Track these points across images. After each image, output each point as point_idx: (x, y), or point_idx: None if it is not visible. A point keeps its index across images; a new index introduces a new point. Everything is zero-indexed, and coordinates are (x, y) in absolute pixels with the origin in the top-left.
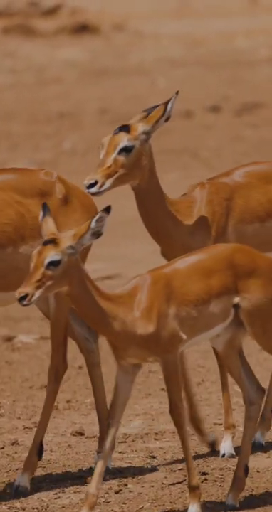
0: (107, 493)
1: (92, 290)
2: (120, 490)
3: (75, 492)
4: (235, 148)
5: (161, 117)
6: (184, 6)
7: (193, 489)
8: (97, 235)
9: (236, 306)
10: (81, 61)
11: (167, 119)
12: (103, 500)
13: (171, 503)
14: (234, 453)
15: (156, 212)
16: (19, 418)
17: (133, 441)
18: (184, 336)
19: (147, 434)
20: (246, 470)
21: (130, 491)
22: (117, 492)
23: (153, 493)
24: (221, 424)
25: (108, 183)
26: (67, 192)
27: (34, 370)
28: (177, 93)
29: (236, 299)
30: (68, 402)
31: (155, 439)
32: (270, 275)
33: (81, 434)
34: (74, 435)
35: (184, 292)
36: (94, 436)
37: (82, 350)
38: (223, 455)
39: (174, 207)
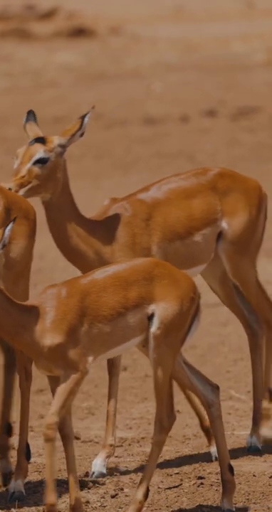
0: (103, 497)
1: (4, 298)
2: (116, 494)
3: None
4: (231, 152)
5: (78, 131)
6: (181, 11)
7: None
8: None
9: (151, 316)
10: (77, 65)
11: (82, 134)
12: (99, 504)
13: (167, 507)
14: (105, 472)
15: (67, 230)
16: (15, 422)
17: (129, 445)
18: (93, 354)
19: (143, 438)
20: (231, 470)
21: (126, 496)
22: (113, 496)
23: (149, 497)
24: None
25: (21, 191)
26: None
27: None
28: (93, 108)
29: (152, 309)
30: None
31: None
32: (188, 291)
33: (77, 438)
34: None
35: (98, 306)
36: (90, 441)
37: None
38: (93, 473)
39: (89, 226)
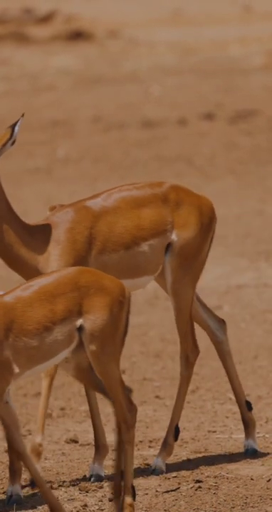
0: (101, 500)
1: None
2: None
3: (68, 500)
4: (229, 155)
5: (8, 140)
6: (178, 14)
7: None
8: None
9: (80, 328)
10: (75, 68)
11: (13, 143)
12: (97, 507)
13: (165, 510)
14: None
15: (6, 237)
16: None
17: None
18: (17, 370)
19: (141, 441)
20: (133, 490)
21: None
22: (111, 500)
23: (147, 500)
24: (215, 432)
25: None
26: None
27: (28, 378)
28: (23, 116)
29: (80, 321)
30: (62, 409)
31: (149, 447)
32: (116, 296)
33: (75, 441)
34: (68, 443)
35: (24, 322)
36: (88, 444)
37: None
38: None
39: (29, 232)
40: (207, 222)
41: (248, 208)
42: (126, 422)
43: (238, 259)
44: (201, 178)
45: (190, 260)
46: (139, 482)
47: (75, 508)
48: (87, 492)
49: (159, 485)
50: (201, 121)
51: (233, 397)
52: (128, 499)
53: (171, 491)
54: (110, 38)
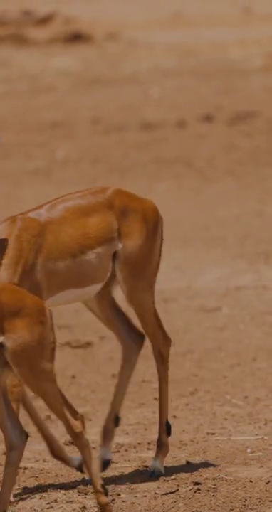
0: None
1: None
2: (113, 500)
3: (67, 502)
4: (229, 157)
5: None
6: (178, 16)
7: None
8: None
9: (1, 346)
10: (74, 70)
11: None
12: (96, 510)
13: None
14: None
15: None
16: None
17: (126, 450)
18: None
19: (139, 443)
20: None
21: (123, 501)
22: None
23: (146, 502)
24: (214, 434)
25: None
26: None
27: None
28: None
29: (1, 339)
30: None
31: (148, 449)
32: (37, 315)
33: (74, 443)
34: (67, 445)
35: None
36: None
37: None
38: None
39: None
40: (152, 227)
41: (247, 209)
42: (12, 448)
43: (237, 260)
44: (200, 180)
45: (140, 268)
46: (138, 484)
47: (74, 510)
48: (86, 494)
49: (158, 487)
50: (201, 123)
51: (232, 399)
52: (102, 499)
53: (170, 493)
54: (109, 40)
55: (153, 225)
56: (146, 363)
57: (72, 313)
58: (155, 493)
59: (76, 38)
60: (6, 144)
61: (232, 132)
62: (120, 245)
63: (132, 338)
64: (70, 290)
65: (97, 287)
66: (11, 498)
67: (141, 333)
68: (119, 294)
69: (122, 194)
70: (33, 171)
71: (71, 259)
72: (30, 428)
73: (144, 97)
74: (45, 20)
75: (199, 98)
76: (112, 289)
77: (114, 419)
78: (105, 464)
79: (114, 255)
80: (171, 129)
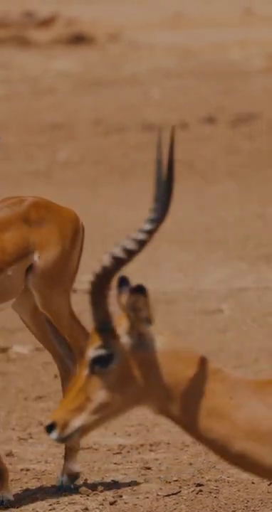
0: (101, 504)
1: None
2: (115, 501)
3: (69, 503)
4: (230, 159)
5: None
6: (178, 17)
7: None
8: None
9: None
10: (75, 72)
11: None
12: (98, 511)
13: None
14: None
15: None
16: (14, 429)
17: (128, 452)
18: None
19: (142, 445)
20: None
21: (125, 503)
22: (112, 503)
23: (148, 504)
24: None
25: None
26: None
27: (29, 381)
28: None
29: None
30: None
31: (150, 451)
32: None
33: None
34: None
35: None
36: (89, 448)
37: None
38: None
39: None
40: (71, 237)
41: (248, 211)
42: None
43: (238, 262)
44: (201, 182)
45: (55, 278)
46: (140, 486)
47: (76, 511)
48: (88, 496)
49: (160, 488)
50: (202, 125)
51: None
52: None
53: (172, 494)
54: (110, 41)
55: (71, 235)
56: None
57: None
58: (157, 495)
59: (77, 39)
60: (7, 145)
61: (233, 134)
62: (36, 258)
63: (69, 356)
64: None
65: (11, 302)
66: (11, 497)
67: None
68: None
69: (39, 205)
70: (34, 172)
71: None
72: (32, 429)
73: (144, 98)
74: (46, 22)
75: (200, 99)
76: None
77: None
78: (74, 477)
79: (29, 267)
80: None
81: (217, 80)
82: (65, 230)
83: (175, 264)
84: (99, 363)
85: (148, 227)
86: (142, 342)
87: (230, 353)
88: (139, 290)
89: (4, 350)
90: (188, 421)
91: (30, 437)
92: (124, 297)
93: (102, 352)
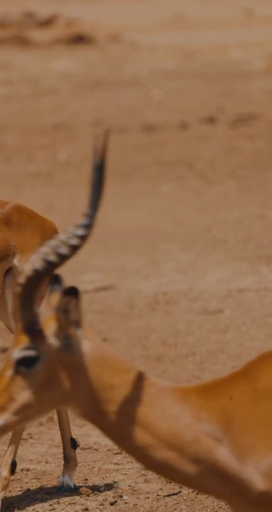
0: (102, 504)
1: None
2: (115, 501)
3: (69, 504)
4: (230, 159)
5: None
6: (179, 18)
7: None
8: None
9: None
10: (76, 72)
11: None
12: (98, 511)
13: None
14: None
15: None
16: None
17: None
18: None
19: None
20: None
21: (126, 503)
22: (112, 503)
23: (148, 504)
24: None
25: None
26: None
27: None
28: None
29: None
30: None
31: None
32: None
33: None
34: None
35: None
36: (89, 448)
37: None
38: None
39: None
40: None
41: (248, 212)
42: None
43: (238, 263)
44: (201, 183)
45: None
46: (141, 486)
47: (76, 511)
48: (88, 496)
49: (161, 489)
50: (202, 125)
51: None
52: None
53: (173, 494)
54: (110, 42)
55: None
56: (148, 364)
57: None
58: (158, 495)
59: (78, 40)
60: (8, 146)
61: (234, 135)
62: (15, 261)
63: None
64: None
65: None
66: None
67: None
68: None
69: (22, 210)
70: (35, 174)
71: None
72: (33, 429)
73: (145, 99)
74: (47, 23)
75: (201, 100)
76: None
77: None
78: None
79: (8, 270)
80: (172, 131)
81: (218, 80)
82: (46, 238)
83: (175, 264)
84: (24, 364)
85: (82, 232)
86: (69, 345)
87: (230, 354)
88: (72, 292)
89: (4, 350)
90: (110, 427)
91: (31, 437)
92: (56, 298)
93: (27, 353)
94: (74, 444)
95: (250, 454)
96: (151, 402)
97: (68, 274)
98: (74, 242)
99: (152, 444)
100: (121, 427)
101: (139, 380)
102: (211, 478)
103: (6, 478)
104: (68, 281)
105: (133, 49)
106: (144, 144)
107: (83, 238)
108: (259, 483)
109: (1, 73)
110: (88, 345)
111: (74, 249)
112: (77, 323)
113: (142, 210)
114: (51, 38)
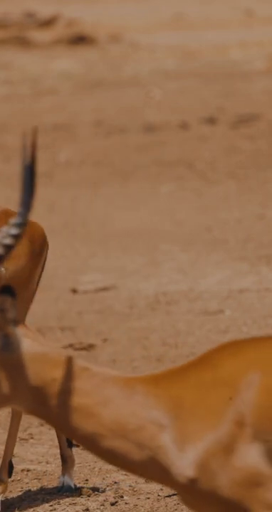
0: (102, 504)
1: None
2: (116, 502)
3: (70, 504)
4: (230, 159)
5: None
6: (180, 19)
7: None
8: None
9: None
10: (76, 72)
11: None
12: (99, 511)
13: None
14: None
15: None
16: None
17: None
18: None
19: None
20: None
21: (126, 503)
22: (113, 504)
23: (149, 504)
24: None
25: None
26: None
27: None
28: None
29: None
30: None
31: None
32: None
33: (77, 445)
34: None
35: None
36: None
37: None
38: None
39: None
40: (38, 251)
41: (248, 212)
42: None
43: (239, 263)
44: (201, 183)
45: (19, 292)
46: (141, 486)
47: None
48: (88, 496)
49: (161, 489)
50: (202, 126)
51: None
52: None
53: (173, 495)
54: (111, 42)
55: (38, 249)
56: (149, 364)
57: (75, 316)
58: (158, 496)
59: (78, 40)
60: (8, 146)
61: (234, 135)
62: (2, 269)
63: None
64: None
65: None
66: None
67: None
68: None
69: (9, 214)
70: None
71: None
72: (33, 430)
73: (145, 99)
74: (47, 23)
75: (201, 100)
76: None
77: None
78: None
79: None
80: (173, 131)
81: (218, 80)
82: (34, 244)
83: (175, 265)
84: None
85: (15, 231)
86: (7, 344)
87: None
88: (7, 291)
89: None
90: (56, 420)
91: (31, 438)
92: None
93: None
94: (70, 442)
95: (191, 441)
96: (93, 392)
97: (68, 274)
98: (8, 241)
99: (97, 433)
100: (66, 418)
101: (81, 370)
102: (156, 466)
103: (3, 482)
104: (68, 281)
105: (133, 49)
106: (144, 143)
107: (17, 237)
108: (188, 470)
109: (1, 73)
110: (27, 342)
111: (9, 248)
112: (15, 322)
113: (142, 210)
114: (51, 38)
